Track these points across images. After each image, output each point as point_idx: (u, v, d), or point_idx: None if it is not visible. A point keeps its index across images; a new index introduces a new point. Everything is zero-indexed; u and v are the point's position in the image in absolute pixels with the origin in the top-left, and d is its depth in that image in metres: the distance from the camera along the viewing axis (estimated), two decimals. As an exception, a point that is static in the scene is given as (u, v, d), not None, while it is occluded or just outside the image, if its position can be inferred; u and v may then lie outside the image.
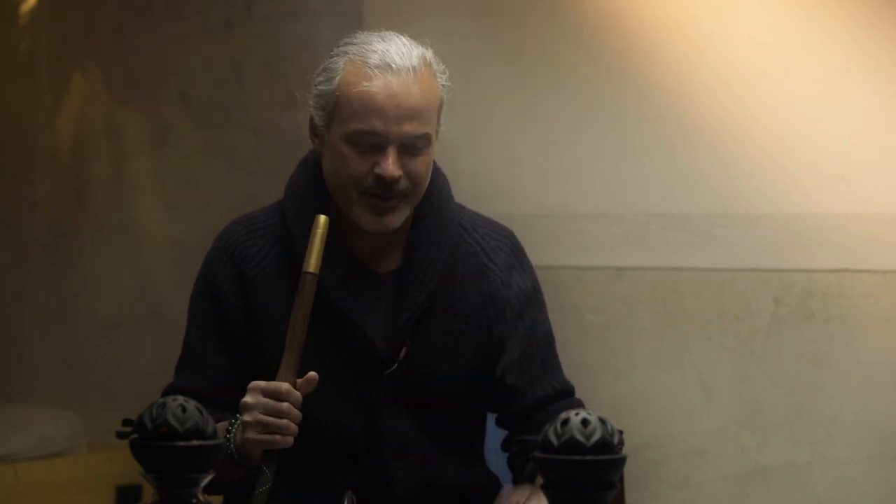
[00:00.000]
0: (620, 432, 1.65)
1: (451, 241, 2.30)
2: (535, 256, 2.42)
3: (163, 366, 2.47)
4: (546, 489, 1.63)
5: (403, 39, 2.24)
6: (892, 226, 3.37)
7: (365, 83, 2.18)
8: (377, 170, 2.19)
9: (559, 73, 3.72)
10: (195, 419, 1.62)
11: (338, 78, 2.20)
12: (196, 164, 4.62)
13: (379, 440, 2.27)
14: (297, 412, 2.11)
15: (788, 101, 3.48)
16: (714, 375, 3.53)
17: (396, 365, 2.26)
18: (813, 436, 3.42)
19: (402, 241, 2.29)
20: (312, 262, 2.13)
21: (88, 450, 4.37)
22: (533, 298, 2.35)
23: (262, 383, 2.11)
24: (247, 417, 2.10)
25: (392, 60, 2.19)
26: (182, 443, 1.61)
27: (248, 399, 2.11)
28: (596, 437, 1.61)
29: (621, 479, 2.15)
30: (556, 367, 2.36)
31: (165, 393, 2.28)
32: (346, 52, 2.22)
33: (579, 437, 1.61)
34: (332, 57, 2.24)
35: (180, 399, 1.64)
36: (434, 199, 2.30)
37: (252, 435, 2.10)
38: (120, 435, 1.70)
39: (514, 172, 3.78)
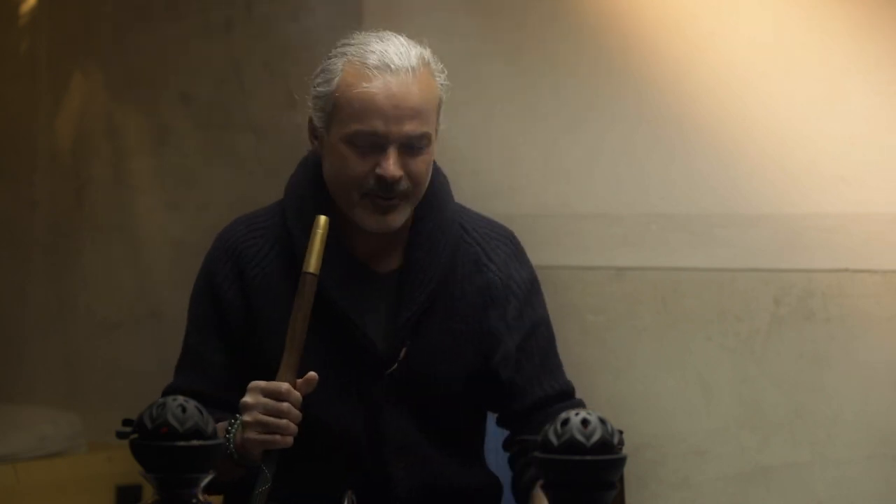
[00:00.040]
0: (620, 432, 1.65)
1: (451, 242, 2.30)
2: (535, 256, 2.42)
3: (163, 366, 2.47)
4: (546, 489, 1.63)
5: (401, 39, 2.23)
6: (892, 226, 3.37)
7: (364, 84, 2.18)
8: (378, 170, 2.19)
9: (559, 73, 3.72)
10: (195, 419, 1.62)
11: (336, 79, 2.20)
12: (196, 164, 4.62)
13: (379, 440, 2.27)
14: (296, 412, 2.11)
15: (788, 101, 3.48)
16: (714, 375, 3.53)
17: (396, 365, 2.26)
18: (813, 436, 3.42)
19: (402, 242, 2.29)
20: (312, 263, 2.13)
21: (88, 450, 4.37)
22: (533, 298, 2.35)
23: (261, 383, 2.11)
24: (247, 417, 2.10)
25: (391, 61, 2.18)
26: (182, 443, 1.61)
27: (247, 399, 2.11)
28: (596, 437, 1.62)
29: (621, 479, 2.15)
30: (556, 367, 2.36)
31: (165, 393, 2.28)
32: (344, 54, 2.22)
33: (579, 437, 1.61)
34: (330, 58, 2.23)
35: (180, 399, 1.64)
36: (434, 199, 2.30)
37: (252, 435, 2.10)
38: (120, 435, 1.70)
39: (514, 172, 3.77)
